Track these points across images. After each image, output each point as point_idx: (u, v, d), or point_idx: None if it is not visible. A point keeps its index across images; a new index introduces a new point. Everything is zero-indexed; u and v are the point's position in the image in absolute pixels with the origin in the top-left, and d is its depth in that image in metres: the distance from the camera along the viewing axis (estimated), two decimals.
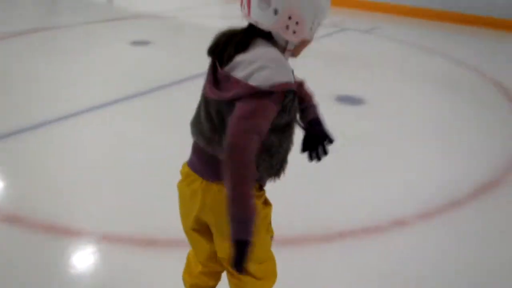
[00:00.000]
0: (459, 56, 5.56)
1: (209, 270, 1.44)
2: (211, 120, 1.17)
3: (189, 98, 4.19)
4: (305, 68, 5.40)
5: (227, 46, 1.14)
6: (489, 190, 2.70)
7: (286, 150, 1.22)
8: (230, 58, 1.12)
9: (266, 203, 1.32)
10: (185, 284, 1.52)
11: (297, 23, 1.09)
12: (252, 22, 1.14)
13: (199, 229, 1.33)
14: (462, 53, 5.77)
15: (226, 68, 1.12)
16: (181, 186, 1.32)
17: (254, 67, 1.06)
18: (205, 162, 1.23)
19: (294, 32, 1.11)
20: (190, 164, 1.29)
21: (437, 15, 7.59)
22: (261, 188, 1.28)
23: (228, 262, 1.21)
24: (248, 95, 1.05)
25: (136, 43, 5.58)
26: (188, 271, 1.51)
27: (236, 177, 1.03)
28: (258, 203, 1.24)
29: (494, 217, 2.47)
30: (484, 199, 2.61)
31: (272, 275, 1.40)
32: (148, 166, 2.80)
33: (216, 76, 1.15)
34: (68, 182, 2.62)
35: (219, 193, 1.18)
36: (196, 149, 1.27)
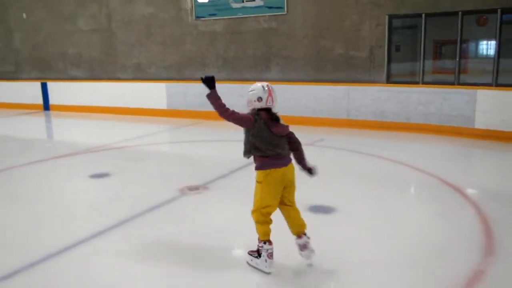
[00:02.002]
0: (400, 159, 6.14)
1: (271, 215, 3.06)
2: (284, 141, 3.03)
3: (159, 226, 4.15)
4: None
5: (277, 118, 3.03)
6: None
7: None
8: (278, 120, 3.02)
9: None
10: (266, 231, 3.07)
11: None
12: (273, 108, 3.03)
13: (282, 188, 3.04)
14: (401, 156, 6.38)
15: (279, 123, 3.02)
16: (273, 175, 2.96)
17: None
18: (286, 159, 3.03)
19: None
20: (273, 166, 2.97)
21: (371, 124, 8.51)
22: None
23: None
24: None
25: (95, 176, 5.55)
26: (267, 223, 3.08)
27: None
28: None
29: None
30: None
31: None
32: None
33: (278, 125, 3.02)
34: None
35: (292, 167, 3.07)
36: (277, 157, 2.98)
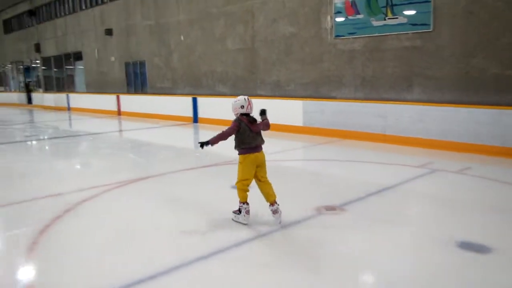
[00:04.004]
0: None
1: (248, 185, 4.51)
2: (260, 135, 4.48)
3: (298, 241, 4.26)
4: (412, 211, 5.36)
5: (254, 120, 4.45)
6: None
7: None
8: (255, 122, 4.43)
9: None
10: (244, 196, 4.52)
11: None
12: (251, 113, 4.47)
13: (256, 167, 4.44)
14: None
15: (256, 123, 4.44)
16: (249, 157, 4.38)
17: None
18: (259, 148, 4.45)
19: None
20: (249, 152, 4.37)
21: None
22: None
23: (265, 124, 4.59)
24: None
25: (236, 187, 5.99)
26: (245, 191, 4.53)
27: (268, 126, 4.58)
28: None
29: None
30: None
31: None
32: None
33: (255, 125, 4.44)
34: None
35: (263, 153, 4.50)
36: (256, 146, 4.41)
